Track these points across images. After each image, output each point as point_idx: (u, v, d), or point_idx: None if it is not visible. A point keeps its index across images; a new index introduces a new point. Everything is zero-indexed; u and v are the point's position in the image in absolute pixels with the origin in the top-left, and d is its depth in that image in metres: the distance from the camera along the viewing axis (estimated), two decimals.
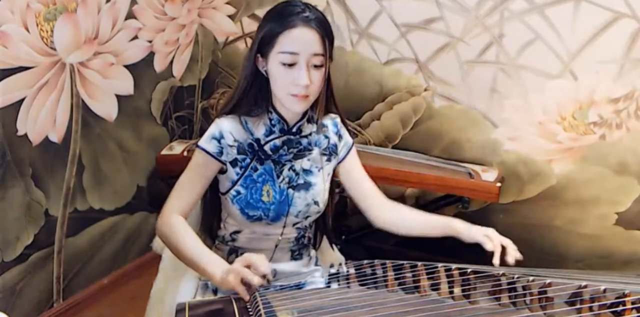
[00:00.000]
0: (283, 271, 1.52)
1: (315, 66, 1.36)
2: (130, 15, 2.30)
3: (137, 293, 2.13)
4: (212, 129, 1.44)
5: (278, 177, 1.46)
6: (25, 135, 2.00)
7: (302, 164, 1.49)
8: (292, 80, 1.35)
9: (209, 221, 1.57)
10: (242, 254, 1.37)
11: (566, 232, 2.37)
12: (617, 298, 1.10)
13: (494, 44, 2.28)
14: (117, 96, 2.33)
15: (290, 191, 1.46)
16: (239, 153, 1.44)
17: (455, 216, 2.50)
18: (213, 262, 1.30)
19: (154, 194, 2.58)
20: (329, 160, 1.54)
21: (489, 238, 1.36)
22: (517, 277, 1.20)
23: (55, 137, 2.11)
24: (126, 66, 2.34)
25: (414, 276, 1.28)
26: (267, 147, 1.46)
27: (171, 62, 2.57)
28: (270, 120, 1.45)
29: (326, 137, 1.54)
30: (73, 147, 2.18)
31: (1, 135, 1.93)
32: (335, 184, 1.61)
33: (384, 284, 1.29)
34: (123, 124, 2.38)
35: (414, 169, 2.30)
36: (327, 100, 1.46)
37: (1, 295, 2.02)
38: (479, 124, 2.39)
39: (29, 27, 1.93)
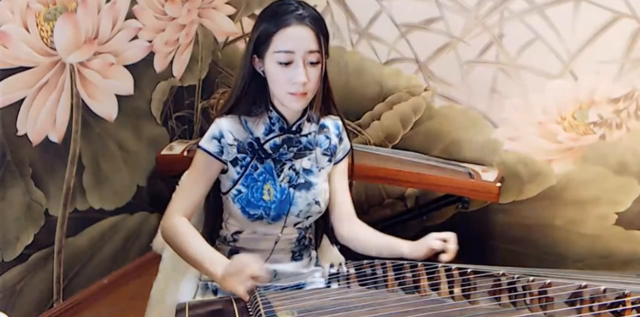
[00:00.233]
0: (284, 271, 1.52)
1: (312, 63, 1.36)
2: (130, 15, 2.30)
3: (137, 293, 2.13)
4: (212, 129, 1.44)
5: (278, 176, 1.46)
6: (25, 135, 2.00)
7: (302, 163, 1.49)
8: (289, 79, 1.35)
9: (212, 221, 1.57)
10: None
11: (566, 232, 2.37)
12: (617, 298, 1.10)
13: (494, 44, 2.28)
14: (117, 96, 2.33)
15: (291, 190, 1.46)
16: (239, 152, 1.44)
17: (455, 216, 2.54)
18: (216, 263, 1.30)
19: (154, 194, 2.58)
20: (329, 160, 1.54)
21: (436, 241, 1.34)
22: (517, 277, 1.20)
23: (55, 137, 2.11)
24: (126, 66, 2.34)
25: (414, 276, 1.28)
26: (267, 146, 1.46)
27: (171, 62, 2.57)
28: (270, 118, 1.45)
29: (327, 137, 1.54)
30: (73, 147, 2.18)
31: (1, 135, 1.93)
32: None
33: (384, 284, 1.29)
34: (123, 124, 2.38)
35: (414, 169, 2.29)
36: (324, 97, 1.46)
37: (1, 295, 2.02)
38: (479, 124, 2.39)
39: (29, 27, 1.93)
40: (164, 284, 1.55)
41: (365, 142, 2.57)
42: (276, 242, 1.49)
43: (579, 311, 1.11)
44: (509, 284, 1.20)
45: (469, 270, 1.25)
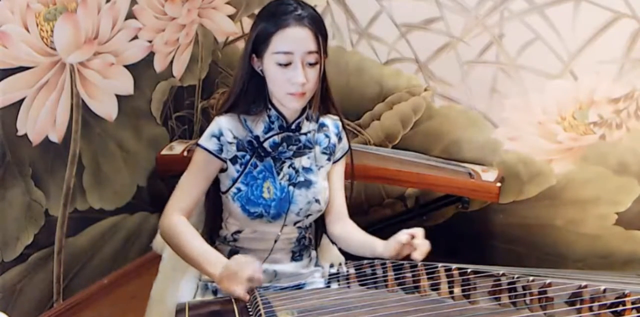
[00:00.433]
0: (283, 272, 1.52)
1: (310, 64, 1.36)
2: (130, 15, 2.30)
3: (137, 293, 2.13)
4: (212, 127, 1.44)
5: (278, 174, 1.46)
6: (25, 135, 2.00)
7: (302, 161, 1.49)
8: (288, 79, 1.36)
9: (212, 221, 1.57)
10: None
11: (566, 232, 2.37)
12: (617, 298, 1.10)
13: (494, 44, 2.28)
14: (117, 96, 2.33)
15: (291, 188, 1.46)
16: (238, 150, 1.44)
17: (455, 216, 2.54)
18: (215, 263, 1.30)
19: (154, 194, 2.58)
20: (328, 159, 1.54)
21: (403, 235, 1.34)
22: (517, 277, 1.20)
23: (55, 137, 2.11)
24: (126, 66, 2.34)
25: (413, 276, 1.28)
26: (266, 144, 1.46)
27: (171, 62, 2.57)
28: (269, 117, 1.45)
29: (327, 136, 1.54)
30: (73, 147, 2.18)
31: (1, 135, 1.93)
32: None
33: (384, 284, 1.29)
34: (123, 124, 2.38)
35: (414, 169, 2.29)
36: (323, 96, 1.46)
37: (1, 295, 2.02)
38: (479, 124, 2.39)
39: (29, 27, 1.93)
40: (164, 284, 1.55)
41: (365, 142, 2.57)
42: (275, 241, 1.49)
43: (579, 311, 1.11)
44: (509, 284, 1.20)
45: (469, 270, 1.25)
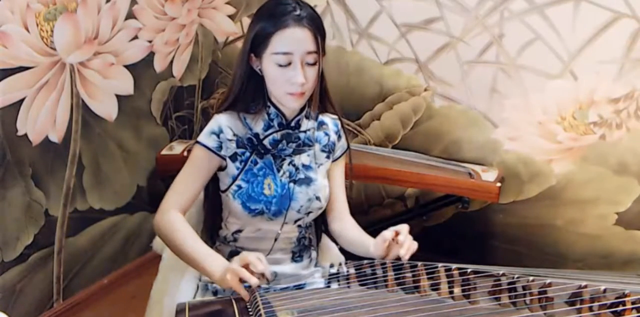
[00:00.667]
0: (283, 272, 1.52)
1: (309, 64, 1.36)
2: (130, 15, 2.30)
3: (137, 293, 2.13)
4: (211, 125, 1.45)
5: (278, 171, 1.46)
6: (25, 135, 2.00)
7: (301, 159, 1.49)
8: (287, 79, 1.36)
9: (211, 221, 1.57)
10: None
11: (566, 232, 2.37)
12: (617, 298, 1.10)
13: (494, 44, 2.28)
14: (117, 96, 2.33)
15: (292, 185, 1.46)
16: (238, 147, 1.44)
17: (455, 216, 2.54)
18: (212, 261, 1.30)
19: (154, 194, 2.58)
20: (327, 157, 1.55)
21: (388, 232, 1.34)
22: (517, 277, 1.20)
23: (55, 137, 2.11)
24: (126, 66, 2.34)
25: (414, 276, 1.28)
26: (266, 142, 1.46)
27: (171, 62, 2.57)
28: (269, 114, 1.45)
29: (326, 134, 1.55)
30: (73, 147, 2.18)
31: (1, 135, 1.93)
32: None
33: (384, 284, 1.29)
34: (123, 124, 2.38)
35: (414, 169, 2.29)
36: (321, 95, 1.47)
37: (1, 295, 2.02)
38: (479, 124, 2.39)
39: (29, 27, 1.93)
40: (163, 284, 1.55)
41: (365, 142, 2.57)
42: (275, 240, 1.49)
43: (579, 311, 1.11)
44: (509, 284, 1.20)
45: (469, 270, 1.25)
